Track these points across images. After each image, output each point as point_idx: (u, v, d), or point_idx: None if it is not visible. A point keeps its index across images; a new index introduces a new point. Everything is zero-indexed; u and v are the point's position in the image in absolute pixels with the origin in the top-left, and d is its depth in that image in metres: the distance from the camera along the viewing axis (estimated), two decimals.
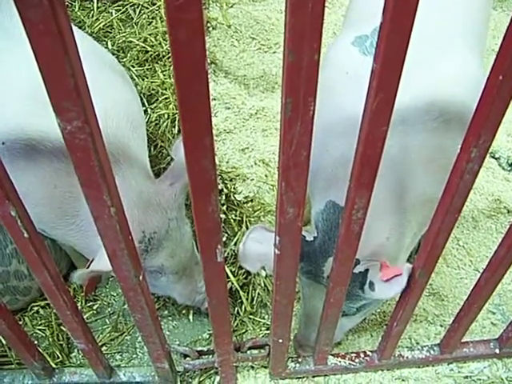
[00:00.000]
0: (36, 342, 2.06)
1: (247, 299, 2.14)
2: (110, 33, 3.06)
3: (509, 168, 2.67)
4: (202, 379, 1.94)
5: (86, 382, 1.83)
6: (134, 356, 2.07)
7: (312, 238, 1.59)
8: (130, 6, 3.23)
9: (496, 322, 2.16)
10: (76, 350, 2.06)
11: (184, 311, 2.18)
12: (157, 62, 2.94)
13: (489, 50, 3.08)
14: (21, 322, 2.12)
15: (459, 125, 1.50)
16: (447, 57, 1.60)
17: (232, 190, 2.41)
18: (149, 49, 2.93)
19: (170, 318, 2.18)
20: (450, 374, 1.96)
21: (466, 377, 1.96)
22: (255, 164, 2.60)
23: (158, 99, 2.73)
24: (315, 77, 0.80)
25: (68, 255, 2.15)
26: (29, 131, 1.54)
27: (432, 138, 1.51)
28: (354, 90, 1.52)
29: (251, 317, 2.13)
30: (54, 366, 1.91)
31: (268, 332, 2.07)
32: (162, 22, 3.07)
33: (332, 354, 1.89)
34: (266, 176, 2.55)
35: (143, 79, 2.81)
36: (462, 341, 1.87)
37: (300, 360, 1.88)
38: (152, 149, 2.52)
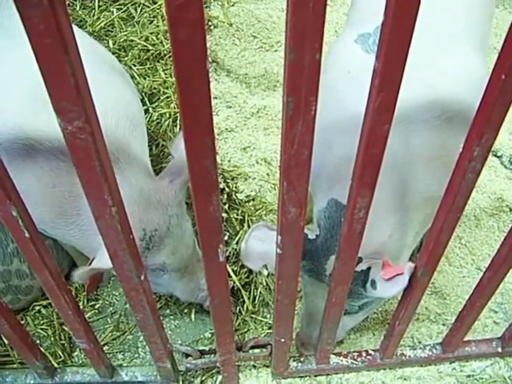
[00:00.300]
0: (38, 342, 2.06)
1: (249, 298, 2.14)
2: (112, 32, 3.06)
3: (511, 166, 2.67)
4: (204, 378, 1.94)
5: (88, 382, 1.83)
6: (136, 355, 2.07)
7: (314, 237, 1.59)
8: (131, 5, 3.23)
9: (498, 321, 2.16)
10: (78, 350, 2.06)
11: (186, 310, 2.18)
12: (158, 61, 2.93)
13: (490, 47, 3.07)
14: (23, 322, 2.12)
15: (461, 122, 1.49)
16: (449, 54, 1.59)
17: (234, 188, 2.41)
18: (150, 48, 2.93)
19: (171, 317, 2.18)
20: (453, 373, 1.96)
21: (469, 376, 1.96)
22: (257, 163, 2.59)
23: (159, 98, 2.73)
24: (317, 76, 0.80)
25: (70, 255, 2.15)
26: (27, 130, 1.54)
27: (434, 136, 1.51)
28: (356, 88, 1.52)
29: (253, 316, 2.13)
30: (56, 365, 1.91)
31: (270, 331, 2.06)
32: (163, 20, 3.07)
33: (334, 353, 1.88)
34: (267, 175, 2.54)
35: (144, 78, 2.81)
36: (465, 340, 1.87)
37: (302, 359, 1.88)
38: (153, 148, 2.52)
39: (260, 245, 1.56)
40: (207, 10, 3.31)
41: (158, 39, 2.99)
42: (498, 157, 2.70)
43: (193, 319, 2.16)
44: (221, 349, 1.64)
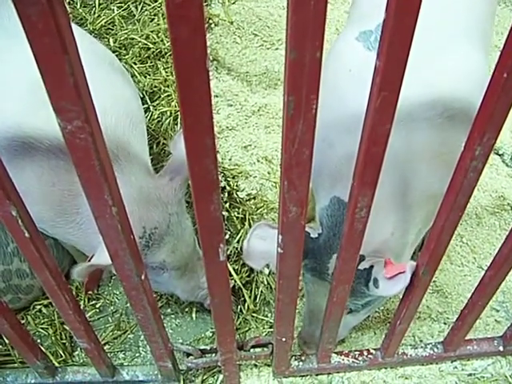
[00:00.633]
0: (39, 341, 2.06)
1: (250, 297, 2.13)
2: (112, 30, 3.05)
3: None
4: (205, 378, 1.94)
5: (88, 381, 1.83)
6: (137, 354, 2.06)
7: (317, 235, 1.59)
8: (132, 3, 3.23)
9: (500, 320, 2.15)
10: (79, 349, 2.06)
11: (187, 309, 2.18)
12: (159, 59, 2.93)
13: (492, 45, 3.06)
14: (23, 321, 2.12)
15: (463, 120, 1.49)
16: (451, 53, 1.59)
17: (235, 187, 2.41)
18: (151, 46, 2.93)
19: (172, 316, 2.17)
20: (454, 372, 1.96)
21: (470, 374, 1.96)
22: (258, 161, 2.59)
23: (160, 96, 2.73)
24: (317, 74, 0.79)
25: (70, 254, 2.15)
26: (26, 129, 1.54)
27: (436, 134, 1.51)
28: (358, 86, 1.52)
29: (254, 315, 2.13)
30: (56, 364, 1.91)
31: (271, 330, 2.06)
32: (164, 18, 3.07)
33: (335, 352, 1.88)
34: (268, 173, 2.54)
35: (145, 76, 2.80)
36: (466, 338, 1.87)
37: (303, 358, 1.88)
38: (154, 146, 2.52)
39: (262, 244, 1.56)
40: (208, 7, 3.30)
41: (158, 37, 2.98)
42: (499, 155, 2.69)
43: (194, 318, 2.16)
44: (222, 348, 1.64)
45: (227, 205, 2.32)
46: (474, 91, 1.53)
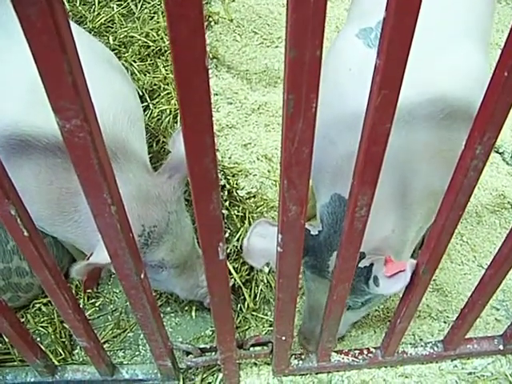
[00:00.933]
0: (38, 340, 2.06)
1: (250, 296, 2.13)
2: (112, 28, 3.05)
3: None
4: (204, 376, 1.94)
5: (88, 380, 1.83)
6: (137, 353, 2.06)
7: (317, 232, 1.58)
8: (132, 1, 3.23)
9: (500, 318, 2.15)
10: (78, 347, 2.06)
11: (187, 308, 2.18)
12: (159, 57, 2.92)
13: (492, 43, 3.06)
14: (23, 320, 2.11)
15: (464, 118, 1.49)
16: (451, 51, 1.59)
17: (234, 185, 2.40)
18: (150, 44, 2.92)
19: (172, 315, 2.17)
20: (454, 371, 1.96)
21: (470, 373, 1.95)
22: (258, 159, 2.59)
23: (159, 94, 2.72)
24: (317, 73, 0.79)
25: (70, 252, 2.15)
26: (24, 127, 1.54)
27: (436, 131, 1.50)
28: (358, 83, 1.52)
29: (254, 313, 2.13)
30: (56, 363, 1.91)
31: (271, 328, 2.06)
32: (163, 16, 3.06)
33: (335, 351, 1.88)
34: (268, 171, 2.54)
35: (145, 74, 2.80)
36: (466, 337, 1.87)
37: (303, 357, 1.88)
38: (154, 144, 2.52)
39: (262, 242, 1.56)
40: (208, 5, 3.30)
41: (158, 35, 2.98)
42: (499, 153, 2.69)
43: (193, 316, 2.16)
44: (221, 347, 1.63)
45: (227, 203, 2.32)
46: (474, 89, 1.53)
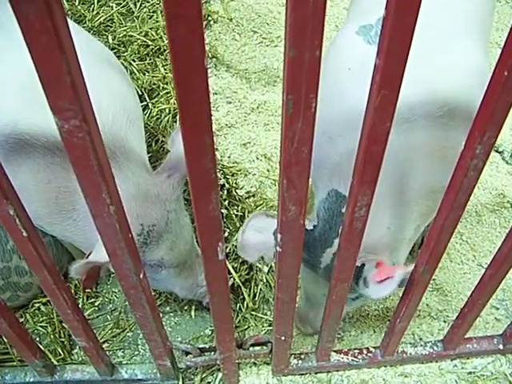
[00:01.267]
0: (37, 339, 2.06)
1: (249, 295, 2.13)
2: (111, 27, 3.05)
3: None
4: (204, 376, 1.94)
5: (87, 380, 1.83)
6: (136, 353, 2.06)
7: (312, 227, 1.58)
8: (131, 0, 3.22)
9: (500, 318, 2.15)
10: (78, 347, 2.06)
11: (186, 307, 2.18)
12: (158, 57, 2.92)
13: (492, 42, 3.06)
14: (22, 319, 2.11)
15: (463, 116, 1.49)
16: (450, 49, 1.58)
17: (234, 185, 2.40)
18: (150, 43, 2.92)
19: (171, 315, 2.17)
20: (454, 370, 1.95)
21: (470, 373, 1.95)
22: (257, 159, 2.58)
23: (159, 94, 2.72)
24: (317, 73, 0.79)
25: (69, 252, 2.14)
26: (23, 126, 1.53)
27: (435, 128, 1.50)
28: (357, 80, 1.52)
29: (253, 313, 2.12)
30: (55, 363, 1.91)
31: (270, 328, 2.06)
32: (162, 15, 3.05)
33: (335, 351, 1.88)
34: (267, 171, 2.53)
35: (144, 74, 2.80)
36: (466, 337, 1.87)
37: (303, 357, 1.88)
38: (153, 144, 2.51)
39: (257, 236, 1.55)
40: (207, 4, 3.29)
41: (157, 34, 2.98)
42: (499, 152, 2.69)
43: (193, 316, 2.16)
44: (221, 347, 1.63)
45: (226, 202, 2.32)
46: (473, 87, 1.53)
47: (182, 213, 1.77)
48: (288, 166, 0.95)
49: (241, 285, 2.13)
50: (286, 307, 1.45)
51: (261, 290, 2.16)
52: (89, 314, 2.15)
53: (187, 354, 1.79)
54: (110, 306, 2.20)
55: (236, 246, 2.19)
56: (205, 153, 0.87)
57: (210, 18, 3.21)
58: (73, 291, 2.18)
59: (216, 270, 1.21)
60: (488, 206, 2.49)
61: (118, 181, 1.04)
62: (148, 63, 2.87)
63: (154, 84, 2.75)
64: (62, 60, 0.71)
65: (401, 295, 1.61)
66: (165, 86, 2.74)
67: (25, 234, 1.13)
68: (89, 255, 1.56)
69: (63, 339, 2.05)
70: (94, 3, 3.15)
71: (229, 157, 2.56)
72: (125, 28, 3.02)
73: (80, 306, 2.13)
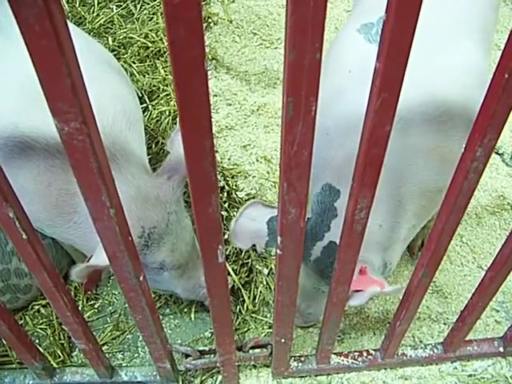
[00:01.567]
0: (37, 341, 2.06)
1: (249, 298, 2.13)
2: (111, 29, 3.05)
3: None
4: (203, 378, 1.94)
5: (87, 382, 1.83)
6: (136, 355, 2.06)
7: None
8: (131, 2, 3.22)
9: (500, 320, 2.15)
10: (77, 350, 2.05)
11: (186, 309, 2.17)
12: (158, 58, 2.92)
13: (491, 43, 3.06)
14: (22, 321, 2.11)
15: (460, 115, 1.49)
16: (447, 49, 1.59)
17: (234, 187, 2.40)
18: (150, 45, 2.92)
19: (171, 317, 2.17)
20: (454, 373, 1.95)
21: (470, 375, 1.95)
22: (257, 161, 2.58)
23: (159, 96, 2.72)
24: (317, 76, 0.79)
25: (69, 254, 2.14)
26: (23, 128, 1.53)
27: (432, 127, 1.50)
28: (356, 79, 1.52)
29: (253, 315, 2.12)
30: (55, 365, 1.90)
31: (270, 330, 2.06)
32: (162, 17, 3.05)
33: (335, 353, 1.88)
34: (267, 173, 2.53)
35: (144, 75, 2.80)
36: (466, 339, 1.86)
37: (302, 359, 1.87)
38: (153, 146, 2.51)
39: (250, 224, 1.56)
40: (207, 6, 3.30)
41: (157, 36, 2.98)
42: (499, 154, 2.69)
43: (192, 318, 2.15)
44: (221, 349, 1.63)
45: (226, 204, 2.32)
46: (472, 88, 1.53)
47: (183, 214, 1.77)
48: (288, 169, 0.94)
49: (241, 287, 2.13)
50: (286, 310, 1.45)
51: (261, 292, 2.15)
52: (88, 316, 2.15)
53: (187, 356, 1.79)
54: (110, 308, 2.19)
55: (236, 249, 2.19)
56: (205, 155, 0.87)
57: (210, 20, 3.22)
58: (72, 293, 2.18)
59: (216, 273, 1.21)
60: (488, 208, 2.49)
61: (119, 183, 1.04)
62: (148, 65, 2.87)
63: (154, 86, 2.75)
64: (62, 62, 0.71)
65: (401, 298, 1.60)
66: (165, 87, 2.74)
67: (24, 236, 1.12)
68: (89, 259, 1.56)
69: (63, 341, 2.04)
70: (94, 5, 3.15)
71: (229, 159, 2.56)
72: (125, 30, 3.02)
73: (80, 308, 2.12)
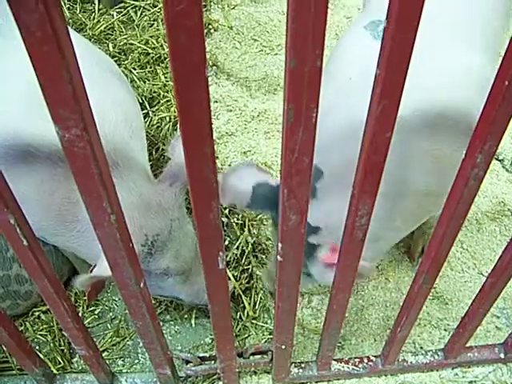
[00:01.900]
0: (37, 348, 2.05)
1: (250, 304, 2.12)
2: (112, 35, 3.06)
3: None
4: None
5: None
6: (136, 361, 2.05)
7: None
8: (132, 8, 3.23)
9: (501, 326, 2.14)
10: (77, 356, 2.05)
11: (186, 316, 2.17)
12: (158, 65, 2.93)
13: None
14: (22, 328, 2.10)
15: (454, 117, 1.49)
16: (447, 56, 1.59)
17: None
18: (150, 51, 2.93)
19: (171, 323, 2.16)
20: (455, 379, 1.95)
21: (471, 382, 1.94)
22: None
23: (159, 102, 2.72)
24: (318, 83, 0.79)
25: (70, 261, 2.14)
26: (25, 136, 1.53)
27: (423, 130, 1.50)
28: (360, 72, 1.53)
29: (254, 321, 2.12)
30: (55, 371, 1.90)
31: (271, 336, 2.05)
32: (163, 24, 3.07)
33: (335, 360, 1.87)
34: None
35: (144, 82, 2.80)
36: (467, 345, 1.86)
37: (303, 365, 1.87)
38: (153, 152, 2.51)
39: (238, 182, 1.57)
40: (207, 13, 3.31)
41: (158, 43, 2.99)
42: (499, 160, 2.69)
43: (193, 324, 2.15)
44: (221, 355, 1.63)
45: (227, 211, 2.32)
46: (467, 92, 1.53)
47: (185, 220, 1.77)
48: (289, 175, 0.94)
49: (241, 293, 2.12)
50: (286, 316, 1.45)
51: (261, 298, 2.15)
52: (89, 322, 2.15)
53: (187, 362, 1.78)
54: (110, 314, 2.19)
55: (236, 255, 2.19)
56: (205, 162, 0.87)
57: (210, 27, 3.23)
58: (72, 299, 2.18)
59: (216, 279, 1.21)
60: (488, 214, 2.49)
61: (121, 190, 1.04)
62: (148, 71, 2.87)
63: (155, 92, 2.76)
64: (64, 69, 0.71)
65: (401, 304, 1.60)
66: (165, 94, 2.75)
67: (25, 243, 1.12)
68: (93, 268, 1.55)
69: (63, 348, 2.04)
70: (94, 11, 3.16)
71: (229, 165, 2.56)
72: (125, 36, 3.03)
73: (80, 314, 2.12)
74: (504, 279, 1.48)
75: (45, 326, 2.10)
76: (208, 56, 3.00)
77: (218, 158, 2.57)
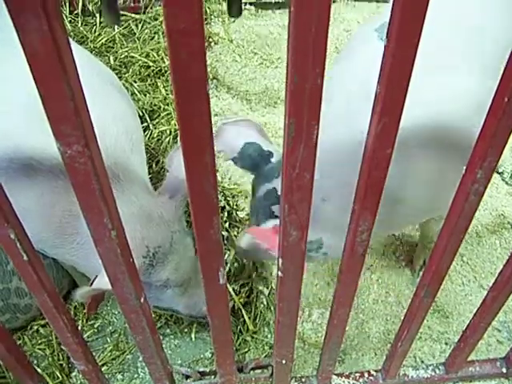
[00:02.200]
0: (35, 362, 2.04)
1: (250, 318, 2.12)
2: (113, 48, 3.07)
3: None
4: None
5: None
6: (136, 376, 2.04)
7: (274, 161, 1.66)
8: (133, 21, 3.25)
9: (502, 340, 2.14)
10: (76, 370, 2.04)
11: (186, 330, 2.16)
12: (159, 78, 2.94)
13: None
14: (20, 341, 2.09)
15: (448, 137, 1.50)
16: (442, 74, 1.60)
17: (234, 206, 2.40)
18: (151, 64, 2.94)
19: (171, 337, 2.15)
20: None
21: None
22: None
23: (159, 115, 2.73)
24: (319, 99, 0.79)
25: (69, 274, 2.13)
26: (25, 150, 1.53)
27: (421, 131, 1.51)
28: (364, 70, 1.55)
29: (254, 336, 2.11)
30: None
31: (271, 351, 2.04)
32: (164, 37, 3.08)
33: (336, 374, 1.86)
34: None
35: (145, 95, 2.81)
36: (468, 360, 1.85)
37: (303, 380, 1.86)
38: (154, 165, 2.51)
39: (233, 136, 1.63)
40: (208, 26, 3.32)
41: (158, 55, 3.00)
42: (499, 173, 2.69)
43: (193, 338, 2.14)
44: (221, 370, 1.62)
45: (227, 224, 2.32)
46: (462, 107, 1.53)
47: (185, 233, 1.78)
48: (289, 191, 0.94)
49: (241, 307, 2.12)
50: (286, 331, 1.44)
51: (261, 312, 2.15)
52: (88, 335, 2.14)
53: (187, 377, 1.77)
54: (110, 328, 2.18)
55: (236, 268, 2.19)
56: (206, 176, 0.87)
57: (210, 40, 3.24)
58: (72, 313, 2.17)
59: (217, 294, 1.21)
60: (488, 227, 2.49)
61: (122, 204, 1.04)
62: (149, 84, 2.89)
63: (155, 105, 2.77)
64: (66, 86, 0.71)
65: (402, 318, 1.60)
66: (166, 107, 2.75)
67: (25, 257, 1.12)
68: (93, 281, 1.55)
69: (62, 362, 2.03)
70: (96, 24, 3.18)
71: (229, 178, 2.56)
72: (126, 49, 3.05)
73: (79, 327, 2.12)
74: (505, 293, 1.48)
75: (43, 340, 2.09)
76: (208, 69, 3.01)
77: (218, 171, 2.57)
